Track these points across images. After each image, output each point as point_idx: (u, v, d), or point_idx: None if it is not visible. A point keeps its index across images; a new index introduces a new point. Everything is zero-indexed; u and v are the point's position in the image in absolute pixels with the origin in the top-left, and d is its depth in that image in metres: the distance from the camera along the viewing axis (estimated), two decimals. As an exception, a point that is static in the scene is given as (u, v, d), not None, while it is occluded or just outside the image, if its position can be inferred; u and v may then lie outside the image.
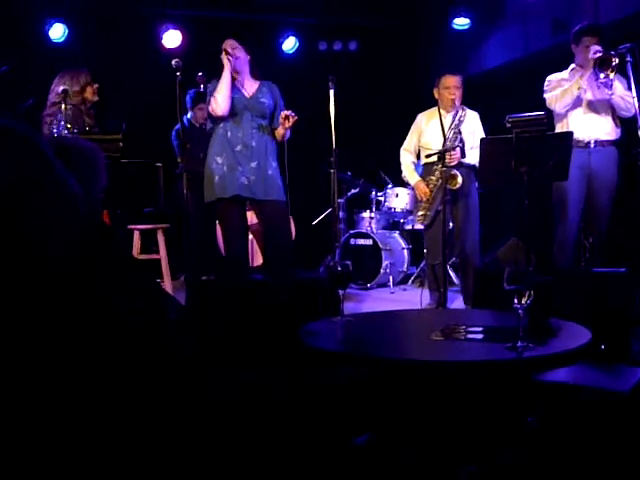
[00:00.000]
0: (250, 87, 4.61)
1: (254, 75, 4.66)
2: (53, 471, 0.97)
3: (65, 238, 1.09)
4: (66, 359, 1.01)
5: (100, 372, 1.02)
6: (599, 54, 4.47)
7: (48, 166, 1.11)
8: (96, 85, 4.87)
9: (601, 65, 4.47)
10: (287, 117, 4.46)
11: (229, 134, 4.49)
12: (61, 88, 4.61)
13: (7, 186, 1.05)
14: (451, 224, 5.26)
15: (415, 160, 5.36)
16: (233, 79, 4.52)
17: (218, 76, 4.50)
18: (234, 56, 4.48)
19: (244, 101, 4.53)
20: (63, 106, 4.48)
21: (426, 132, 5.23)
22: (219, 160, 4.48)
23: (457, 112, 4.97)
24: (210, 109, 4.49)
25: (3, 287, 1.02)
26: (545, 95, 4.89)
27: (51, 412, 0.98)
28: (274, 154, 4.62)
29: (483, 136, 5.06)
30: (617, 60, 4.41)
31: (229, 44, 4.52)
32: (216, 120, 4.53)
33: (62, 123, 4.46)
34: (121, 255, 1.26)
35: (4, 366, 0.98)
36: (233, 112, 4.49)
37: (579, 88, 4.68)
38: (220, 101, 4.43)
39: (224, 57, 4.46)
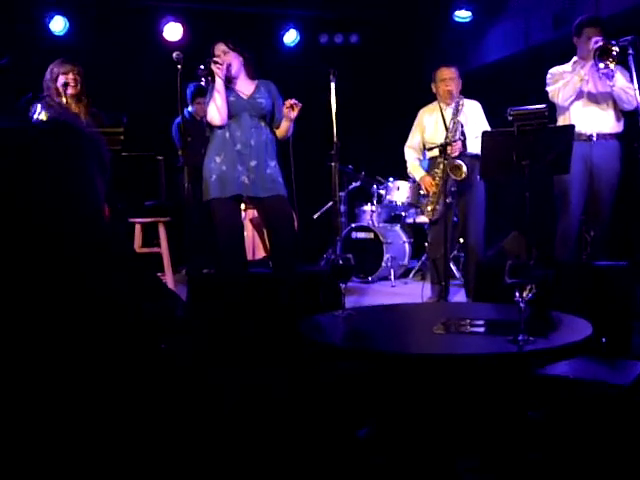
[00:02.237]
0: (247, 88, 4.56)
1: (250, 75, 4.62)
2: (51, 470, 0.98)
3: (85, 240, 1.10)
4: (71, 357, 1.01)
5: (103, 370, 1.02)
6: (600, 43, 4.46)
7: (84, 172, 1.11)
8: (71, 76, 4.62)
9: (601, 55, 4.46)
10: (292, 105, 4.44)
11: (227, 134, 4.47)
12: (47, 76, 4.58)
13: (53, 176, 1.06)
14: (455, 218, 5.27)
15: (420, 156, 5.35)
16: (229, 82, 4.49)
17: (213, 78, 4.47)
18: (225, 63, 4.43)
19: (242, 102, 4.50)
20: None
21: (428, 127, 5.23)
22: (217, 159, 4.47)
23: (458, 103, 4.97)
24: (208, 118, 4.48)
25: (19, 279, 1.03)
26: (547, 88, 4.88)
27: (52, 410, 0.99)
28: (273, 153, 4.60)
29: (486, 125, 5.06)
30: (617, 49, 4.40)
31: (220, 49, 4.47)
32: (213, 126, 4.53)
33: (36, 112, 4.38)
34: (126, 254, 1.25)
35: (10, 361, 0.99)
36: (232, 113, 4.46)
37: (581, 79, 4.67)
38: (216, 112, 4.42)
39: (214, 67, 4.40)
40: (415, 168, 5.31)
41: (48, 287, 1.04)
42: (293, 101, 4.45)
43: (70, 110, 4.55)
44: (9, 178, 1.05)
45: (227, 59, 4.45)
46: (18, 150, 1.08)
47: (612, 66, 4.45)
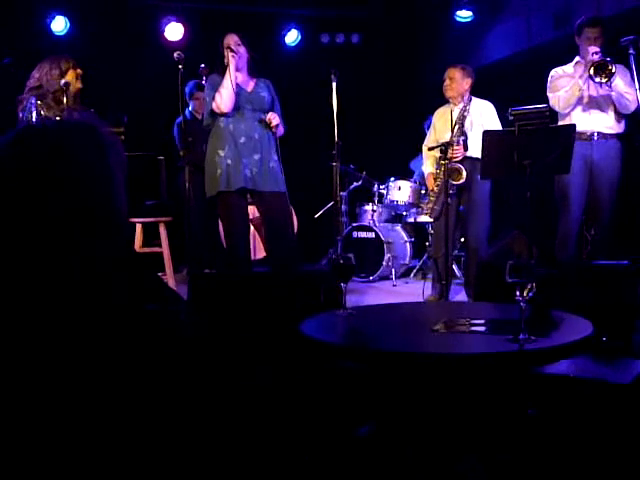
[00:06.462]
0: (248, 83, 4.60)
1: (251, 72, 4.64)
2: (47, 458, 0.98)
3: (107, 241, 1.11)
4: (70, 355, 1.01)
5: (103, 369, 1.03)
6: (596, 56, 4.47)
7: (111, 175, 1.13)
8: (79, 71, 4.57)
9: (597, 70, 4.47)
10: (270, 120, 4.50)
11: (231, 127, 4.47)
12: (37, 75, 4.46)
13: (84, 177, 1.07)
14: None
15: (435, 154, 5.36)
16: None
17: (219, 71, 4.48)
18: (238, 53, 4.46)
19: (245, 95, 4.51)
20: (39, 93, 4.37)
21: (438, 127, 5.24)
22: (222, 153, 4.45)
23: (465, 105, 4.98)
24: (214, 106, 4.44)
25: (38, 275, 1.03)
26: (548, 93, 4.88)
27: (52, 405, 0.99)
28: (275, 147, 4.62)
29: (495, 126, 5.02)
30: (614, 68, 4.41)
31: (233, 40, 4.50)
32: (216, 115, 4.50)
33: (33, 110, 4.33)
34: (131, 253, 1.26)
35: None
36: (235, 106, 4.47)
37: (580, 89, 4.67)
38: (225, 99, 4.40)
39: (228, 54, 4.43)
40: (426, 164, 5.36)
41: (57, 281, 1.05)
42: (272, 116, 4.50)
43: (69, 109, 4.52)
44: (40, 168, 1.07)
45: (240, 50, 4.48)
46: (50, 143, 1.10)
47: (604, 81, 4.47)
